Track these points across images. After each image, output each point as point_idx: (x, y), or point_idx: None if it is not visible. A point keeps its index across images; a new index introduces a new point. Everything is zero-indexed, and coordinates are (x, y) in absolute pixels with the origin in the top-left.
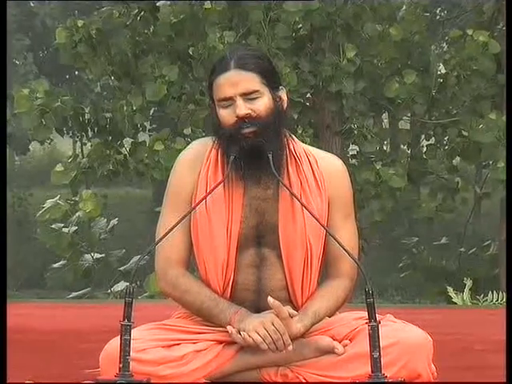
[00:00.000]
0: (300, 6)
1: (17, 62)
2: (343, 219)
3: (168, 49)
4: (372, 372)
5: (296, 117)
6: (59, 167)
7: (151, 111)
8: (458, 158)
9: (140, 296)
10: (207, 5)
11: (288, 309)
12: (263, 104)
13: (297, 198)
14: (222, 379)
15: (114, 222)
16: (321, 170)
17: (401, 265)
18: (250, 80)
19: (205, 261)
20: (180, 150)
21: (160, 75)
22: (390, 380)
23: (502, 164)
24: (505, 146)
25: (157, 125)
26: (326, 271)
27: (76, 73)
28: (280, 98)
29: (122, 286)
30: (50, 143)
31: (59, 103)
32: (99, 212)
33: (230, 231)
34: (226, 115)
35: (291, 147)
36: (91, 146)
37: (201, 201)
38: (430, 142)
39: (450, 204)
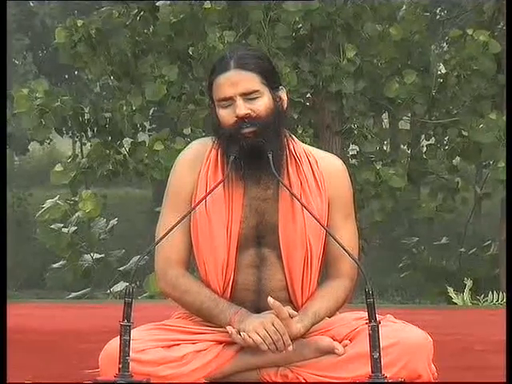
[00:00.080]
0: (300, 5)
1: (16, 61)
2: (343, 219)
3: (168, 49)
4: (372, 372)
5: (296, 117)
6: (59, 167)
7: (151, 111)
8: (458, 158)
9: (140, 296)
10: (207, 4)
11: (288, 309)
12: (263, 104)
13: (297, 198)
14: (221, 379)
15: (114, 222)
16: (321, 170)
17: (401, 265)
18: (249, 80)
19: (205, 261)
20: (180, 150)
21: (160, 75)
22: (390, 380)
23: (502, 164)
24: (505, 146)
25: (156, 125)
26: (326, 271)
27: (75, 73)
28: (280, 98)
29: (121, 286)
30: (49, 143)
31: (59, 103)
32: (99, 212)
33: (229, 231)
34: (226, 115)
35: (291, 147)
36: (91, 145)
37: (201, 201)
38: (430, 142)
39: (450, 204)
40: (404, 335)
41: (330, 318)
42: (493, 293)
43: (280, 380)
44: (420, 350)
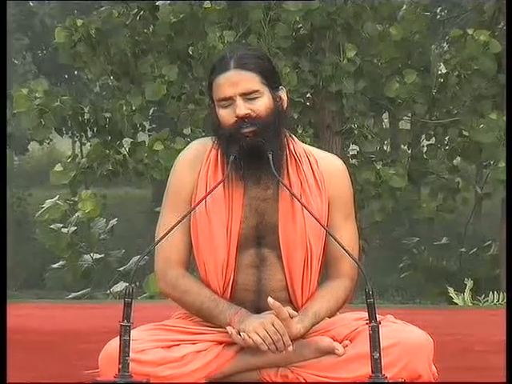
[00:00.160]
0: (300, 5)
1: (16, 61)
2: (343, 219)
3: (167, 48)
4: (372, 373)
5: (296, 117)
6: (58, 167)
7: (151, 111)
8: (458, 158)
9: (139, 296)
10: (207, 4)
11: (288, 309)
12: (263, 104)
13: (297, 198)
14: (221, 380)
15: (114, 222)
16: (321, 170)
17: (401, 265)
18: (249, 80)
19: (205, 261)
20: (180, 150)
21: (159, 75)
22: (390, 381)
23: (502, 164)
24: (506, 146)
25: (156, 125)
26: (327, 272)
27: (75, 72)
28: (280, 98)
29: (121, 286)
30: (49, 143)
31: (58, 103)
32: (98, 212)
33: (229, 231)
34: (226, 115)
35: (291, 147)
36: (90, 145)
37: (200, 201)
38: (430, 142)
39: (450, 204)
40: (404, 335)
41: (330, 318)
42: (493, 293)
43: (280, 380)
44: (420, 350)
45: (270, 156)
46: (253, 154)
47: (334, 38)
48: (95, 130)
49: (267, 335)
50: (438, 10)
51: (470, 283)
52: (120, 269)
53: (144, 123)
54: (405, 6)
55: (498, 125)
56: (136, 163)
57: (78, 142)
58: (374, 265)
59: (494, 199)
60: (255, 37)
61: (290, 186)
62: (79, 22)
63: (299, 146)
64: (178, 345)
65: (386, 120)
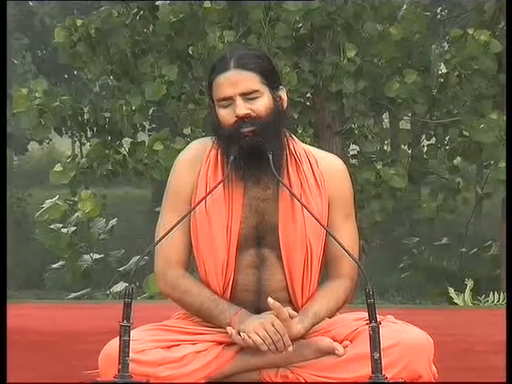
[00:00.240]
0: (300, 5)
1: (15, 61)
2: (343, 219)
3: (167, 48)
4: (372, 373)
5: (296, 116)
6: (58, 167)
7: (150, 111)
8: (458, 158)
9: (139, 297)
10: (207, 4)
11: (288, 310)
12: (263, 104)
13: (297, 198)
14: (221, 380)
15: (113, 222)
16: (321, 170)
17: (401, 265)
18: (249, 80)
19: (204, 261)
20: (179, 150)
21: (159, 75)
22: (390, 381)
23: (503, 164)
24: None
25: (156, 125)
26: (327, 272)
27: (75, 72)
28: (280, 98)
29: (121, 286)
30: (48, 143)
31: (58, 103)
32: (98, 212)
33: (229, 231)
34: (226, 115)
35: (291, 147)
36: (90, 145)
37: (200, 201)
38: (430, 142)
39: (450, 204)
40: (404, 336)
41: (330, 318)
42: (494, 293)
43: (280, 380)
44: (421, 350)
45: (270, 156)
46: (253, 154)
47: (334, 37)
48: (95, 129)
49: (267, 335)
50: (439, 10)
51: (470, 283)
52: (120, 269)
53: (144, 123)
54: (405, 6)
55: (499, 125)
56: (136, 163)
57: (77, 142)
58: (374, 265)
59: (495, 199)
60: (255, 37)
61: (290, 185)
62: (79, 22)
63: (299, 146)
64: (177, 345)
65: (386, 120)
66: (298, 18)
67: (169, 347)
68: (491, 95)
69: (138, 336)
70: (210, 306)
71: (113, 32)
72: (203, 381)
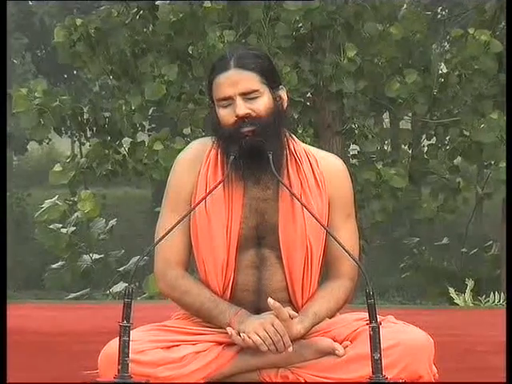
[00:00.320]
0: (300, 4)
1: (15, 61)
2: (343, 219)
3: (167, 48)
4: (373, 373)
5: (296, 116)
6: (57, 167)
7: (150, 111)
8: (459, 158)
9: (139, 297)
10: (207, 3)
11: (288, 310)
12: (263, 104)
13: (297, 198)
14: (221, 380)
15: (113, 222)
16: (321, 170)
17: (402, 265)
18: (249, 79)
19: (204, 261)
20: (179, 150)
21: (159, 74)
22: (390, 381)
23: (503, 164)
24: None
25: (156, 124)
26: (327, 272)
27: (74, 72)
28: (280, 98)
29: (120, 286)
30: (48, 143)
31: (57, 103)
32: (98, 212)
33: (229, 231)
34: (226, 115)
35: (291, 147)
36: (90, 145)
37: (200, 201)
38: (431, 142)
39: (451, 204)
40: (405, 336)
41: (330, 318)
42: (494, 293)
43: (280, 381)
44: (421, 351)
45: (270, 156)
46: (253, 154)
47: (334, 37)
48: (94, 129)
49: (267, 336)
50: (439, 10)
51: (470, 284)
52: (119, 269)
53: (143, 123)
54: (405, 6)
55: (499, 124)
56: (135, 163)
57: (77, 142)
58: (374, 265)
59: (495, 199)
60: (255, 36)
61: (290, 185)
62: (78, 22)
63: (299, 146)
64: (177, 345)
65: (386, 120)
66: (298, 18)
67: (168, 347)
68: (492, 95)
69: (138, 336)
70: (209, 306)
71: (112, 32)
72: (203, 381)
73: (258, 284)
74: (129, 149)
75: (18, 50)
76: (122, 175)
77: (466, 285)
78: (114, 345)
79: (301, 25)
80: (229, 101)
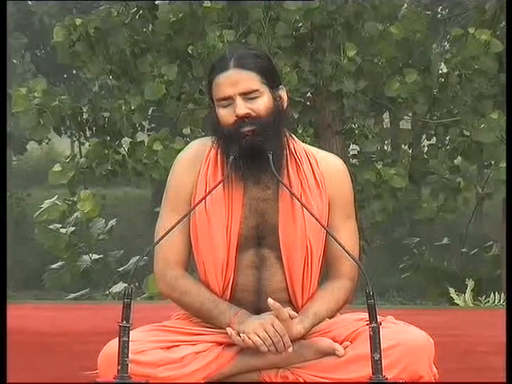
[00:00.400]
0: (300, 4)
1: (14, 61)
2: (343, 219)
3: (167, 48)
4: (373, 374)
5: (296, 116)
6: (57, 167)
7: (150, 111)
8: (459, 158)
9: (139, 297)
10: (206, 3)
11: (288, 310)
12: (263, 103)
13: (297, 198)
14: (221, 381)
15: (113, 222)
16: (321, 170)
17: (402, 266)
18: (249, 79)
19: (204, 261)
20: (179, 150)
21: (159, 74)
22: (390, 382)
23: (503, 164)
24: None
25: (155, 124)
26: (327, 272)
27: (74, 72)
28: (280, 98)
29: (120, 287)
30: (47, 143)
31: (57, 102)
32: (97, 212)
33: (229, 232)
34: (226, 115)
35: (291, 147)
36: (89, 145)
37: (200, 201)
38: (431, 142)
39: (451, 204)
40: (405, 336)
41: (330, 319)
42: (494, 294)
43: (280, 381)
44: (421, 351)
45: (270, 156)
46: (253, 154)
47: (334, 37)
48: (94, 129)
49: (267, 336)
50: (439, 9)
51: (471, 284)
52: (119, 269)
53: (143, 123)
54: (405, 5)
55: (500, 124)
56: (135, 163)
57: (76, 142)
58: (374, 265)
59: (496, 199)
60: (255, 36)
61: (290, 185)
62: (78, 21)
63: (299, 146)
64: (177, 346)
65: (386, 120)
66: (298, 18)
67: (168, 348)
68: (492, 95)
69: (138, 337)
70: (209, 306)
71: (112, 31)
72: (203, 381)
73: (257, 284)
74: (128, 149)
75: (17, 50)
76: (121, 175)
77: (466, 285)
78: (113, 345)
79: (301, 24)
80: (229, 101)
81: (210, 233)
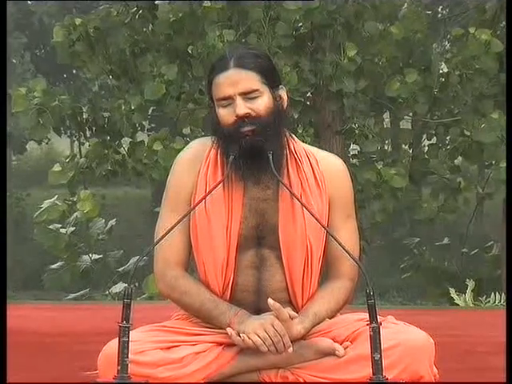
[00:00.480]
0: (300, 4)
1: (14, 60)
2: (344, 219)
3: (167, 47)
4: (373, 374)
5: (296, 116)
6: (57, 167)
7: (150, 110)
8: (460, 158)
9: (139, 297)
10: (206, 3)
11: (288, 310)
12: (263, 103)
13: (297, 198)
14: (221, 381)
15: (112, 222)
16: (321, 170)
17: (402, 266)
18: (249, 79)
19: (204, 262)
20: (179, 150)
21: (159, 74)
22: (391, 382)
23: (504, 164)
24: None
25: (155, 124)
26: (327, 272)
27: (74, 72)
28: (280, 97)
29: (120, 287)
30: (47, 143)
31: (57, 102)
32: (97, 212)
33: (229, 232)
34: (226, 114)
35: (291, 147)
36: (89, 145)
37: (200, 201)
38: (431, 142)
39: (452, 204)
40: (405, 337)
41: (330, 319)
42: (495, 294)
43: (280, 381)
44: (422, 351)
45: (270, 156)
46: (253, 154)
47: (334, 36)
48: (94, 129)
49: (267, 336)
50: (440, 9)
51: (471, 284)
52: (119, 269)
53: (143, 123)
54: (406, 5)
55: (500, 124)
56: (135, 163)
57: (76, 142)
58: (374, 265)
59: (496, 199)
60: (255, 36)
61: (290, 185)
62: (78, 21)
63: (299, 146)
64: (177, 346)
65: (386, 119)
66: (298, 17)
67: (168, 348)
68: (492, 95)
69: (138, 337)
70: (209, 306)
71: (112, 31)
72: (203, 382)
73: (257, 284)
74: (128, 149)
75: (17, 50)
76: (121, 175)
77: (467, 285)
78: (113, 345)
79: (301, 24)
80: (228, 100)
81: (210, 233)
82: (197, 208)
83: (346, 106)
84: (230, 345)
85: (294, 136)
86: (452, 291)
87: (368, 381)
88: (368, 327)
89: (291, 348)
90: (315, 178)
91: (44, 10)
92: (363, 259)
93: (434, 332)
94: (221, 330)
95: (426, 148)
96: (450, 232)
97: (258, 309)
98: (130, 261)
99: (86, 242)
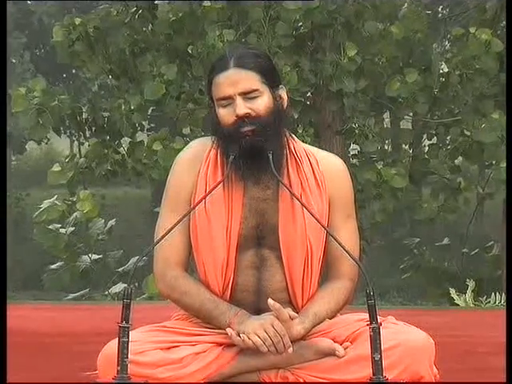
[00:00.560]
0: (300, 3)
1: (14, 60)
2: (344, 219)
3: (167, 47)
4: (373, 374)
5: (296, 116)
6: (56, 167)
7: (149, 110)
8: (460, 158)
9: (138, 297)
10: (206, 3)
11: (288, 311)
12: (263, 103)
13: (297, 198)
14: (221, 381)
15: (112, 222)
16: (321, 170)
17: (402, 266)
18: (249, 79)
19: (204, 262)
20: (179, 150)
21: (158, 74)
22: (391, 382)
23: (504, 164)
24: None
25: (155, 124)
26: (327, 272)
27: (73, 71)
28: (280, 97)
29: (120, 287)
30: (46, 143)
31: (56, 102)
32: (97, 212)
33: (229, 232)
34: (226, 114)
35: (291, 147)
36: (89, 145)
37: (200, 201)
38: (432, 142)
39: (452, 204)
40: (405, 337)
41: (330, 319)
42: (495, 294)
43: (280, 381)
44: (422, 351)
45: (270, 156)
46: (253, 154)
47: (334, 36)
48: (93, 129)
49: (267, 337)
50: (440, 9)
51: (471, 284)
52: (119, 270)
53: (143, 123)
54: (406, 5)
55: (500, 124)
56: (135, 163)
57: (76, 142)
58: (374, 265)
59: (496, 199)
60: (255, 36)
61: (290, 185)
62: (77, 21)
63: (299, 146)
64: (177, 346)
65: (387, 119)
66: (298, 17)
67: (168, 348)
68: (493, 95)
69: (137, 337)
70: (209, 306)
71: (111, 31)
72: (203, 382)
73: (257, 284)
74: (128, 149)
75: (16, 50)
76: (121, 175)
77: (467, 285)
78: (113, 345)
79: (301, 24)
80: (228, 100)
81: (210, 233)
82: (197, 208)
83: (346, 106)
84: (230, 345)
85: (294, 136)
86: (452, 291)
87: (368, 381)
88: (368, 327)
89: (291, 348)
90: (315, 178)
91: (44, 10)
92: (363, 259)
93: (435, 332)
94: (221, 331)
95: (427, 148)
96: (450, 232)
97: (258, 309)
98: (130, 261)
99: (86, 242)
